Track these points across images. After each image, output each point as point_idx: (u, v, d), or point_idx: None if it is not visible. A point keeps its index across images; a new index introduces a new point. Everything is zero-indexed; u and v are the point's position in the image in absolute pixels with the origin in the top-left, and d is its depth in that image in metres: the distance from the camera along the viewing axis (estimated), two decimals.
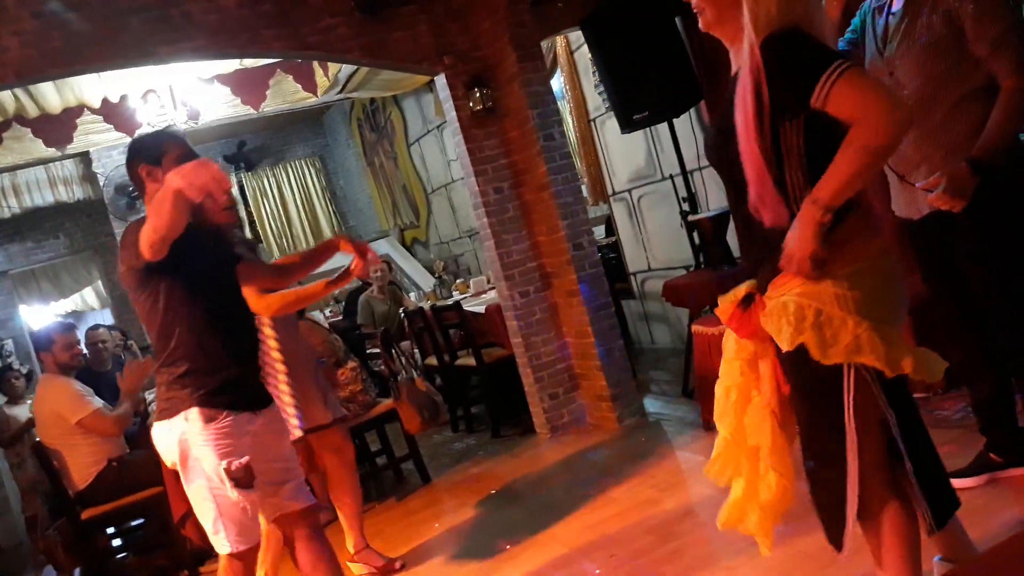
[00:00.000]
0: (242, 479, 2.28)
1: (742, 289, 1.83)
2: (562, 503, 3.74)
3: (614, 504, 3.55)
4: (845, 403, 1.66)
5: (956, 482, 1.97)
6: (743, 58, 1.66)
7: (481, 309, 5.38)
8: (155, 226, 2.03)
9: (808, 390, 1.74)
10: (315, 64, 7.15)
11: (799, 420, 1.80)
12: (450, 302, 5.63)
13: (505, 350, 5.14)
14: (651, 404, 4.83)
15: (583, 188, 5.99)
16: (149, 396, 4.96)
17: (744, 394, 1.86)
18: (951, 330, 2.62)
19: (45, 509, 4.82)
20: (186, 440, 2.32)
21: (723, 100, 1.77)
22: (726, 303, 1.85)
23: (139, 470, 4.08)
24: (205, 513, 2.40)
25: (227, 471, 2.28)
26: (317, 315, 4.70)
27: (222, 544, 2.41)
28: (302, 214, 11.06)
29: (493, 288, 5.79)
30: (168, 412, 2.34)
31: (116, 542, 4.81)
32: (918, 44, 2.34)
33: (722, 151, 1.76)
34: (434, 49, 4.70)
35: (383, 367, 4.68)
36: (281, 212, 11.01)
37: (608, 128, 6.05)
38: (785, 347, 1.68)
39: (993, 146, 2.21)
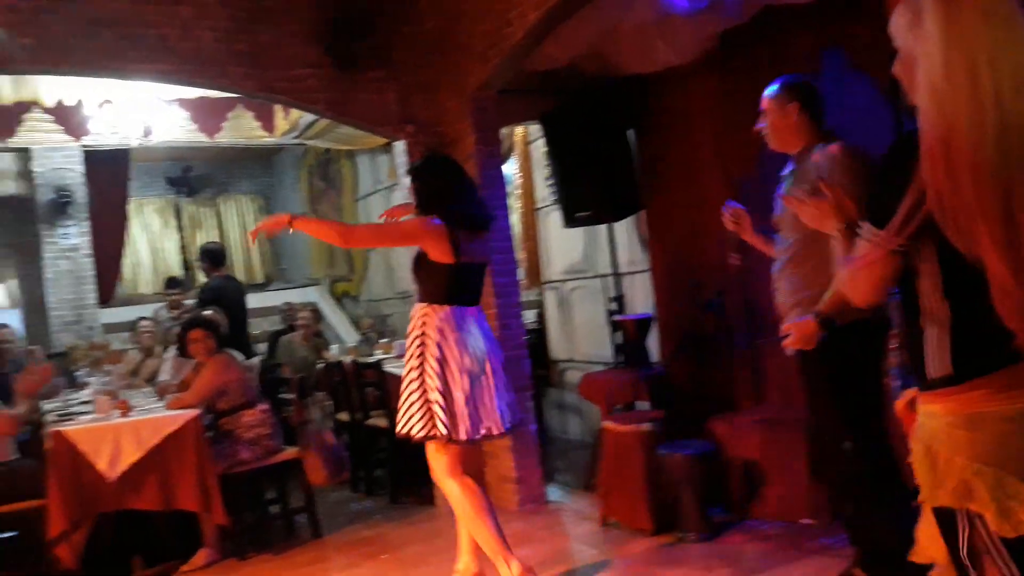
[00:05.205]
0: None
1: (912, 391, 1.72)
2: None
3: None
4: (960, 543, 1.50)
5: None
6: None
7: (402, 372, 5.39)
8: None
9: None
10: (277, 106, 7.25)
11: None
12: (372, 360, 5.63)
13: None
14: (553, 492, 4.90)
15: (519, 271, 6.16)
16: (48, 406, 4.80)
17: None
18: (824, 451, 2.95)
19: None
20: None
21: None
22: (900, 403, 1.78)
23: (24, 479, 3.93)
24: None
25: None
26: (237, 354, 4.65)
27: None
28: (236, 248, 10.94)
29: None
30: None
31: None
32: None
33: None
34: (398, 115, 4.86)
35: (294, 414, 4.65)
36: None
37: (551, 219, 6.25)
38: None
39: (838, 302, 2.51)
